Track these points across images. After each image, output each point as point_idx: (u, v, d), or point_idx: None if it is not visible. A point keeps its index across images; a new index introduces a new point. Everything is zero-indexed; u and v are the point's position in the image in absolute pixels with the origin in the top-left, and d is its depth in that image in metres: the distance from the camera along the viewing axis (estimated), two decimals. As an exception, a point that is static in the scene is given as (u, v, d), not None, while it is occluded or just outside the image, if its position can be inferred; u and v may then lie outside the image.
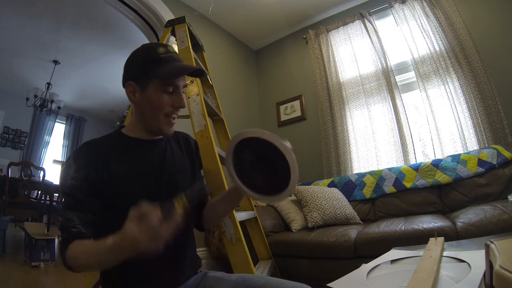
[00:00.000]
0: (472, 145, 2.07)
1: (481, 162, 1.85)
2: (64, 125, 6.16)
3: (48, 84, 4.45)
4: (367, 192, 2.19)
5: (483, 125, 2.05)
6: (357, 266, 0.75)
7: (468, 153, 1.95)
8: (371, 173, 2.25)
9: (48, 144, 5.74)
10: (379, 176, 2.19)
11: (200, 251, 2.22)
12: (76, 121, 6.28)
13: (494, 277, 0.36)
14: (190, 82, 1.35)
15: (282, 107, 3.28)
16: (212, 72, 2.02)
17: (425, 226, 1.41)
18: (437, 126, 2.24)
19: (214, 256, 2.21)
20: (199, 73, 0.77)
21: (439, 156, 2.19)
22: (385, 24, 2.77)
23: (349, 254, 1.51)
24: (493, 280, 0.37)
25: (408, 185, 2.04)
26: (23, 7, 3.13)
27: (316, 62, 3.01)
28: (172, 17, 2.39)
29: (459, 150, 2.13)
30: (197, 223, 0.86)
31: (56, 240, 2.45)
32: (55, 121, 5.87)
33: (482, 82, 2.11)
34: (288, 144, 0.64)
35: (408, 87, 2.60)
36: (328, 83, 2.88)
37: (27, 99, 4.44)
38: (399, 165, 2.27)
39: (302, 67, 3.21)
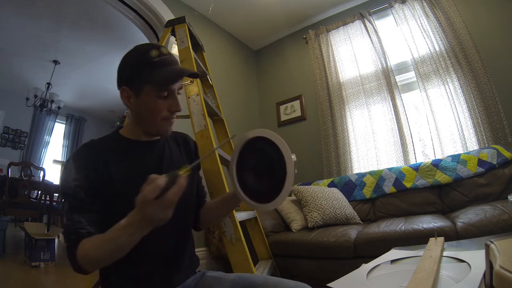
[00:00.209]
0: (472, 145, 2.07)
1: (481, 162, 1.85)
2: (64, 125, 6.16)
3: (48, 84, 4.45)
4: (367, 192, 2.19)
5: (483, 125, 2.05)
6: (357, 266, 0.75)
7: (468, 153, 1.95)
8: (371, 173, 2.25)
9: (48, 144, 5.74)
10: (379, 176, 2.19)
11: (200, 251, 2.22)
12: (76, 121, 6.28)
13: (494, 277, 0.36)
14: (190, 82, 1.35)
15: (282, 107, 3.28)
16: (212, 72, 2.02)
17: (425, 226, 1.41)
18: (437, 126, 2.24)
19: (214, 256, 2.21)
20: (193, 76, 0.76)
21: (439, 156, 2.19)
22: (385, 24, 2.77)
23: (349, 254, 1.51)
24: (493, 280, 0.37)
25: (408, 185, 2.04)
26: (23, 7, 3.13)
27: (316, 62, 3.01)
28: (172, 17, 2.39)
29: (459, 150, 2.13)
30: (194, 223, 0.86)
31: (56, 241, 2.45)
32: (55, 121, 5.87)
33: (482, 82, 2.11)
34: (293, 156, 0.63)
35: (408, 87, 2.60)
36: (328, 83, 2.88)
37: (27, 99, 4.44)
38: (399, 165, 2.27)
39: (302, 67, 3.21)
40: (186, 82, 1.34)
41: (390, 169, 2.19)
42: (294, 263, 1.71)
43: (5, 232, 2.57)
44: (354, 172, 2.54)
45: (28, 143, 5.38)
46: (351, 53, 2.80)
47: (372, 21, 2.73)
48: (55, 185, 3.77)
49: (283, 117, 3.24)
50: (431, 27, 2.38)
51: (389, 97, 2.49)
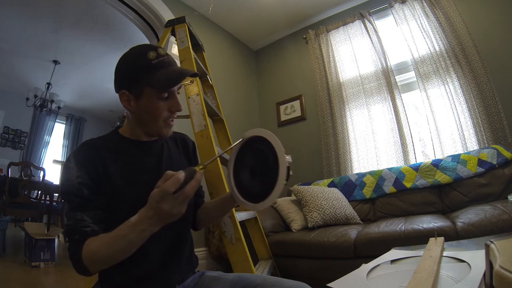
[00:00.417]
0: (472, 145, 2.07)
1: (481, 162, 1.85)
2: (64, 125, 6.16)
3: (48, 84, 4.45)
4: (367, 192, 2.19)
5: (483, 125, 2.05)
6: (357, 266, 0.75)
7: (468, 153, 1.95)
8: (371, 173, 2.25)
9: (48, 144, 5.74)
10: (379, 176, 2.19)
11: (200, 251, 2.22)
12: (76, 121, 6.28)
13: (494, 277, 0.36)
14: (190, 82, 1.35)
15: (282, 107, 3.28)
16: (212, 72, 2.02)
17: (425, 226, 1.41)
18: (437, 126, 2.24)
19: (214, 256, 2.21)
20: (193, 76, 0.76)
21: (439, 156, 2.19)
22: (385, 24, 2.77)
23: (349, 254, 1.51)
24: (493, 280, 0.37)
25: (408, 185, 2.04)
26: (23, 7, 3.13)
27: (316, 62, 3.01)
28: (172, 17, 2.39)
29: (459, 150, 2.13)
30: (192, 223, 0.86)
31: (56, 241, 2.45)
32: (55, 121, 5.87)
33: (482, 82, 2.11)
34: (288, 157, 0.63)
35: (408, 87, 2.60)
36: (328, 83, 2.88)
37: (27, 99, 4.44)
38: (399, 165, 2.27)
39: (302, 67, 3.21)
40: (186, 82, 1.34)
41: (390, 169, 2.19)
42: (294, 263, 1.71)
43: (5, 232, 2.57)
44: (354, 172, 2.54)
45: (28, 143, 5.39)
46: (351, 53, 2.80)
47: (372, 21, 2.73)
48: (55, 185, 3.77)
49: (283, 117, 3.24)
50: (431, 27, 2.38)
51: (389, 97, 2.49)
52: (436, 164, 2.01)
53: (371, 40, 2.68)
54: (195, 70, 1.45)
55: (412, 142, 2.35)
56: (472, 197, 1.79)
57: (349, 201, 2.15)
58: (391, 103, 2.48)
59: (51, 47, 3.95)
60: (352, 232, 1.61)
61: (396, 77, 2.54)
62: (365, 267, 0.73)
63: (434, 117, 2.26)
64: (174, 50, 2.38)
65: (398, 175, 2.11)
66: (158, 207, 0.51)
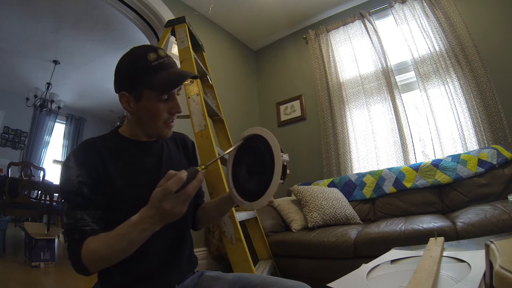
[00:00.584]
0: (472, 145, 2.07)
1: (481, 162, 1.85)
2: (64, 125, 6.16)
3: (48, 84, 4.45)
4: (367, 192, 2.19)
5: (483, 125, 2.05)
6: (357, 266, 0.75)
7: (468, 153, 1.95)
8: (371, 173, 2.25)
9: (48, 144, 5.74)
10: (379, 176, 2.19)
11: (200, 251, 2.22)
12: (76, 121, 6.28)
13: (494, 277, 0.36)
14: (190, 82, 1.35)
15: (282, 107, 3.28)
16: (212, 72, 2.02)
17: (425, 226, 1.41)
18: (437, 126, 2.24)
19: (214, 256, 2.21)
20: (193, 77, 0.76)
21: (439, 156, 2.19)
22: (385, 24, 2.77)
23: (349, 254, 1.51)
24: (493, 280, 0.37)
25: (408, 185, 2.04)
26: (23, 7, 3.13)
27: (316, 62, 3.01)
28: (172, 17, 2.39)
29: (459, 150, 2.13)
30: (192, 223, 0.86)
31: (56, 241, 2.45)
32: (55, 121, 5.87)
33: (482, 82, 2.11)
34: (285, 156, 0.63)
35: (408, 87, 2.60)
36: (328, 83, 2.88)
37: (27, 99, 4.44)
38: (399, 165, 2.27)
39: (302, 67, 3.21)
40: (186, 82, 1.34)
41: (390, 169, 2.19)
42: (294, 263, 1.71)
43: (5, 232, 2.57)
44: (354, 172, 2.54)
45: (28, 143, 5.39)
46: (351, 53, 2.80)
47: (372, 21, 2.73)
48: (55, 185, 3.77)
49: (283, 117, 3.24)
50: (431, 27, 2.38)
51: (389, 97, 2.49)
52: (436, 164, 2.01)
53: (371, 40, 2.68)
54: (195, 70, 1.45)
55: (412, 142, 2.35)
56: (472, 197, 1.79)
57: (349, 201, 2.15)
58: (391, 103, 2.48)
59: (51, 47, 3.95)
60: (352, 232, 1.61)
61: (396, 77, 2.54)
62: (365, 267, 0.73)
63: (434, 117, 2.26)
64: (174, 50, 2.38)
65: (398, 175, 2.11)
66: (160, 206, 0.51)
